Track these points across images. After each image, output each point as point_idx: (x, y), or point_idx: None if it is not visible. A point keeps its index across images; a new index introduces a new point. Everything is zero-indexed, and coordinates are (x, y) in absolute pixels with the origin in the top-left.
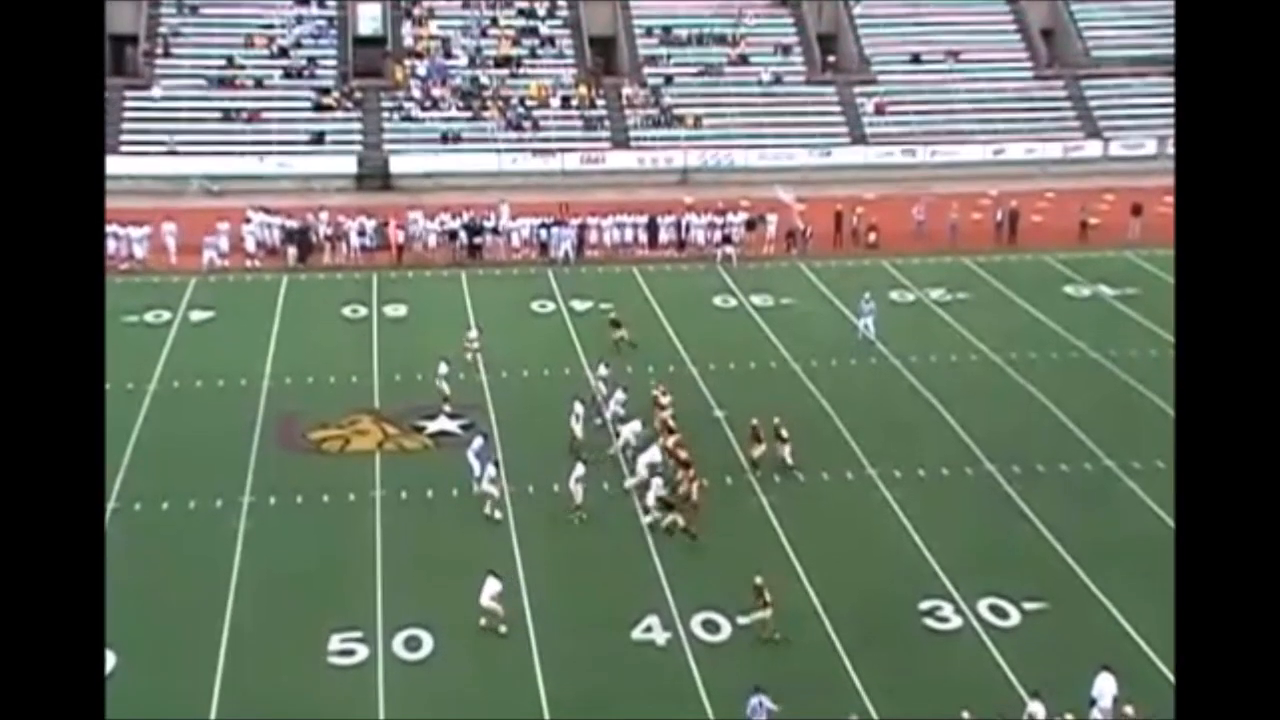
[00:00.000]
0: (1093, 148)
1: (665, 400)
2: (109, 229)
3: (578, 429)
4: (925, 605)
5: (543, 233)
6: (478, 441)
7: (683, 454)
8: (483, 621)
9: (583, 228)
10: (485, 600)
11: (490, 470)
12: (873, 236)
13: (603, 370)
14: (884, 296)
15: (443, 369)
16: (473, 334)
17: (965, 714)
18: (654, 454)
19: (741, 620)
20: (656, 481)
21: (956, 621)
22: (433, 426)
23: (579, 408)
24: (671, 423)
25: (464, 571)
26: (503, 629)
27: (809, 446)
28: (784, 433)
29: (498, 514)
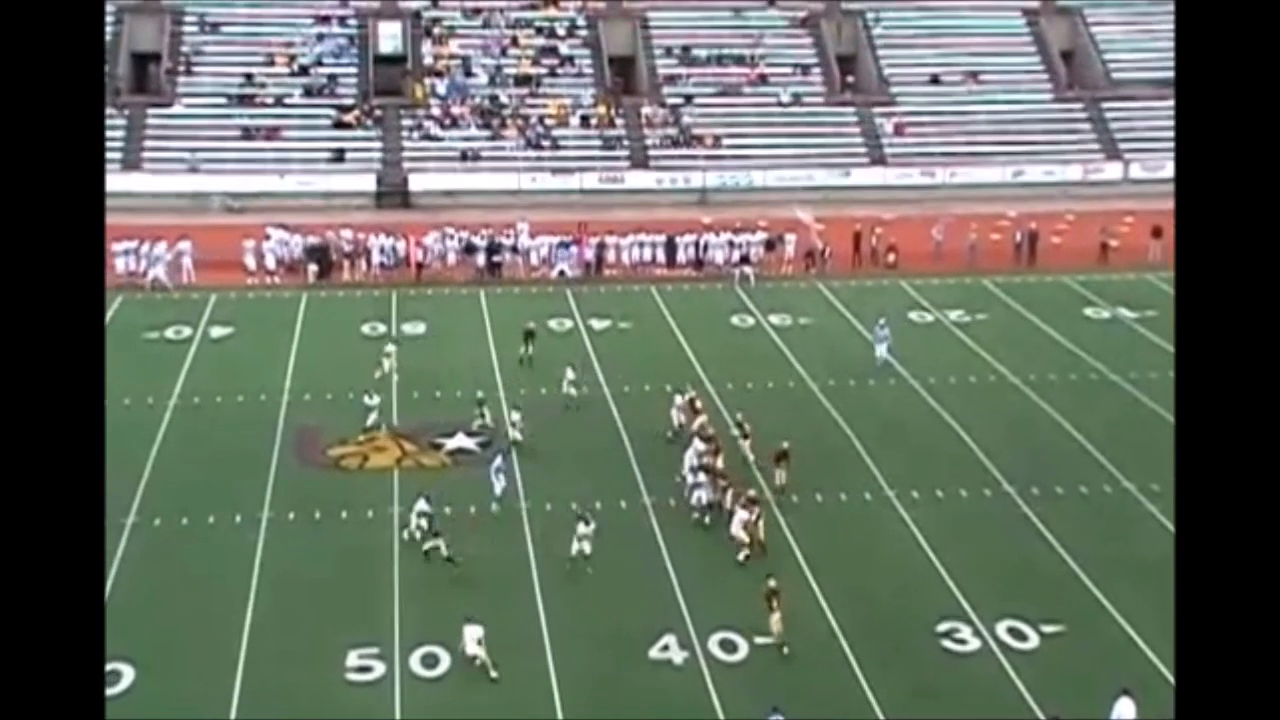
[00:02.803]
0: (1113, 170)
1: (699, 406)
2: (129, 245)
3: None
4: (943, 627)
5: (561, 251)
6: (498, 460)
7: (718, 463)
8: (476, 664)
9: (601, 247)
10: (470, 648)
11: (502, 481)
12: (891, 257)
13: (570, 374)
14: (902, 317)
15: (372, 400)
16: (389, 348)
17: None
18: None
19: (760, 640)
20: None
21: (974, 643)
22: (451, 444)
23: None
24: (708, 430)
25: (482, 589)
26: (494, 674)
27: (827, 467)
28: (786, 446)
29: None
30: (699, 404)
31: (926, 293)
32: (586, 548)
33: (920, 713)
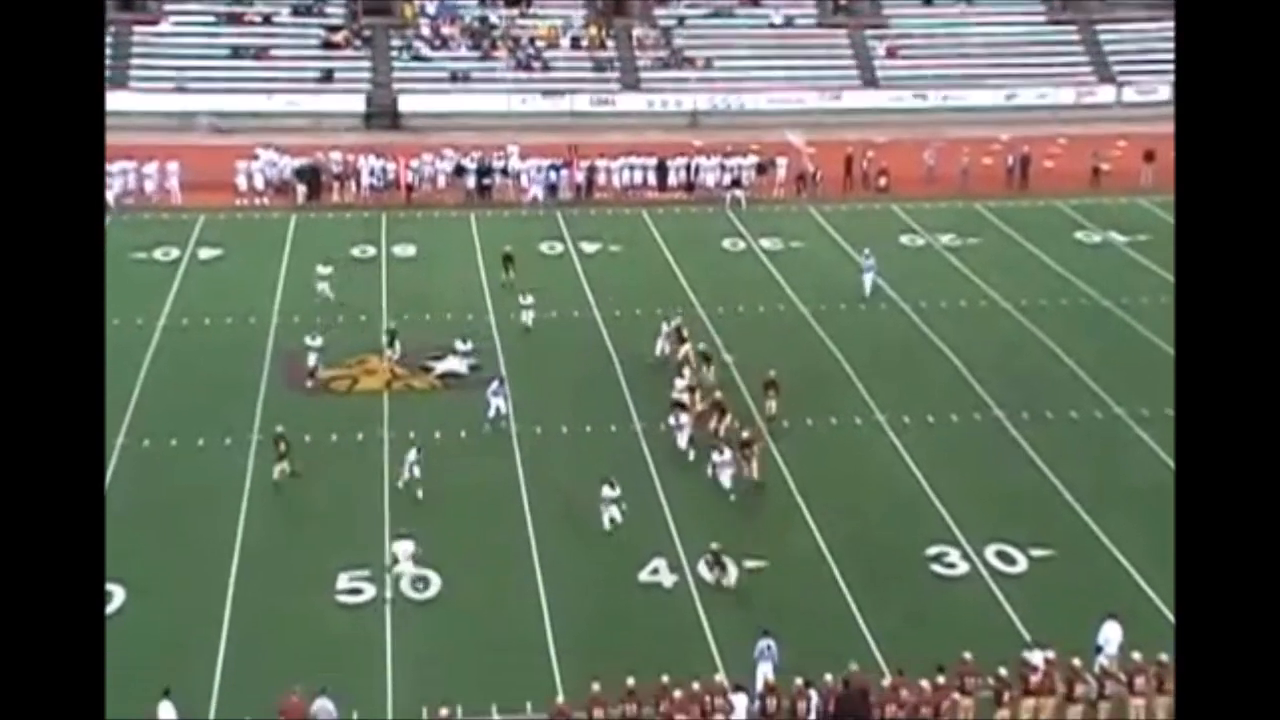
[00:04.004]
0: (1106, 93)
1: (686, 334)
2: (117, 165)
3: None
4: (932, 551)
5: (552, 174)
6: (495, 383)
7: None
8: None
9: (591, 169)
10: (402, 564)
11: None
12: (883, 181)
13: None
14: (894, 241)
15: (315, 341)
16: (324, 269)
17: (967, 655)
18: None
19: (750, 564)
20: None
21: (963, 568)
22: (441, 367)
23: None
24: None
25: (473, 511)
26: (407, 591)
27: (817, 392)
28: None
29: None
30: (685, 332)
31: (918, 216)
32: (617, 514)
33: (909, 636)
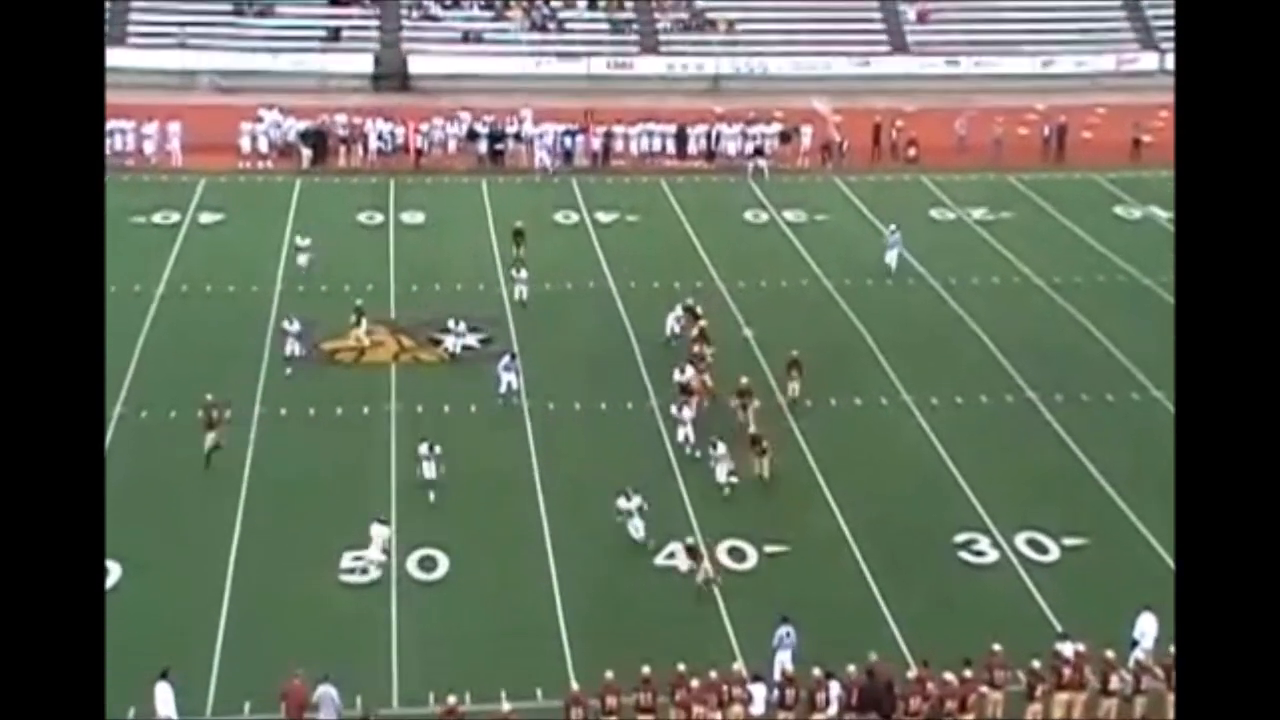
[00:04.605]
0: (1148, 60)
1: (700, 312)
2: (114, 124)
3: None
4: (961, 538)
5: (567, 140)
6: (506, 357)
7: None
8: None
9: (608, 136)
10: (373, 552)
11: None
12: (912, 151)
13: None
14: (923, 215)
15: (292, 325)
16: (303, 242)
17: (996, 646)
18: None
19: (770, 549)
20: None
21: (993, 555)
22: (450, 339)
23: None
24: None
25: (482, 490)
26: (373, 575)
27: (841, 371)
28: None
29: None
30: (699, 309)
31: (949, 189)
32: (641, 526)
33: (936, 626)
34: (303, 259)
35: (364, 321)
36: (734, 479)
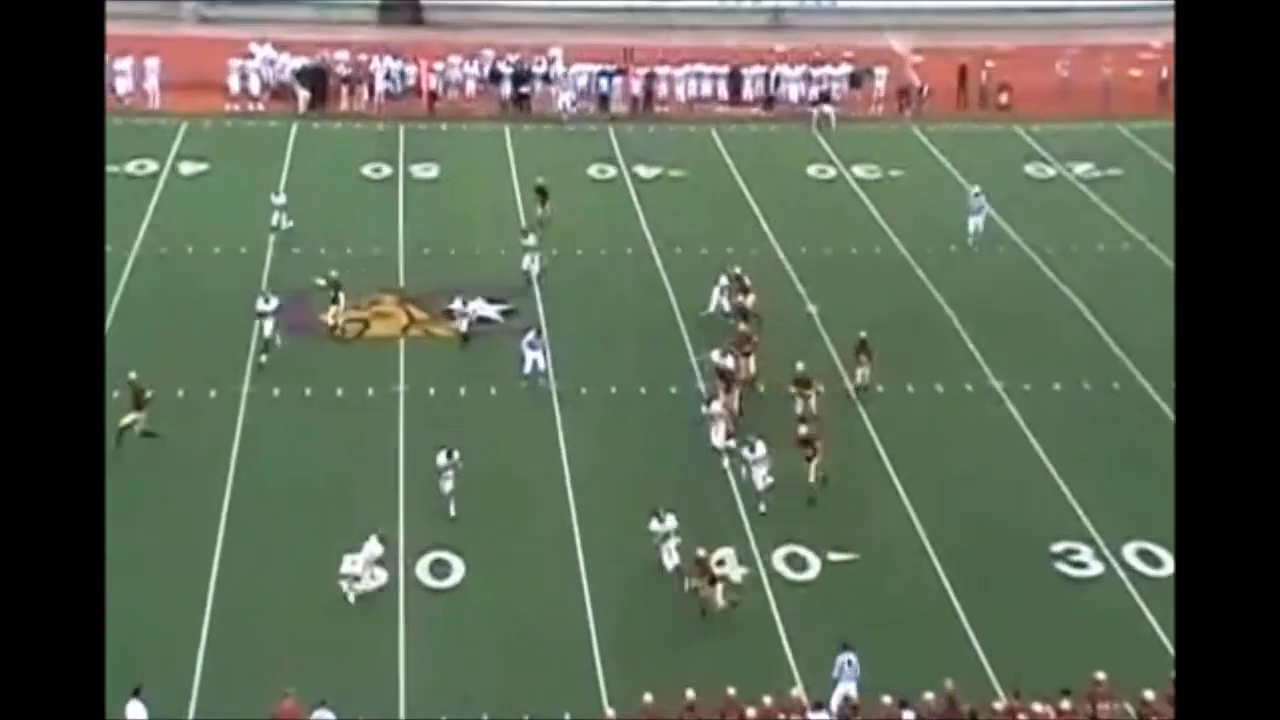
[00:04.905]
0: None
1: (749, 284)
2: None
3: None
4: (1058, 547)
5: (603, 82)
6: (530, 333)
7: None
8: (353, 595)
9: (650, 78)
10: (358, 566)
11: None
12: (1005, 97)
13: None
14: (1017, 171)
15: (268, 304)
16: (278, 199)
17: (1100, 675)
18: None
19: (834, 556)
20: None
21: (1096, 568)
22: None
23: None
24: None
25: (503, 484)
26: (351, 599)
27: (919, 352)
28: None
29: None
30: (748, 281)
31: (1047, 141)
32: (674, 553)
33: (1028, 649)
34: (279, 218)
35: (342, 297)
36: (771, 483)
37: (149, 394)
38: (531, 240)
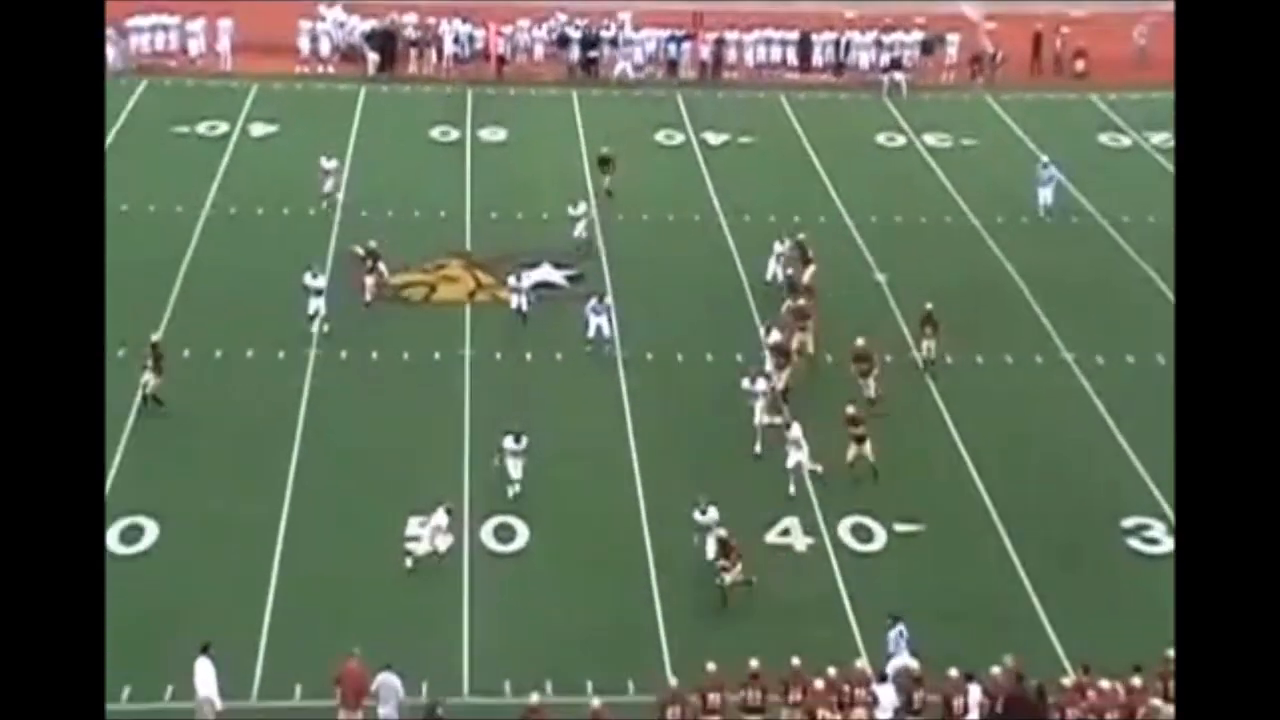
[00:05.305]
0: None
1: (812, 255)
2: (152, 20)
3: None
4: (1130, 522)
5: (671, 48)
6: (593, 300)
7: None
8: (413, 560)
9: (719, 43)
10: (425, 535)
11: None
12: (1080, 64)
13: None
14: (1091, 140)
15: (316, 280)
16: (329, 164)
17: (1171, 651)
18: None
19: (900, 528)
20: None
21: (1169, 544)
22: (534, 276)
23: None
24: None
25: (568, 449)
26: (409, 564)
27: (989, 323)
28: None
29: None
30: (810, 251)
31: (1124, 110)
32: (714, 547)
33: (1098, 626)
34: (329, 184)
35: (381, 266)
36: (813, 468)
37: (160, 357)
38: (581, 209)
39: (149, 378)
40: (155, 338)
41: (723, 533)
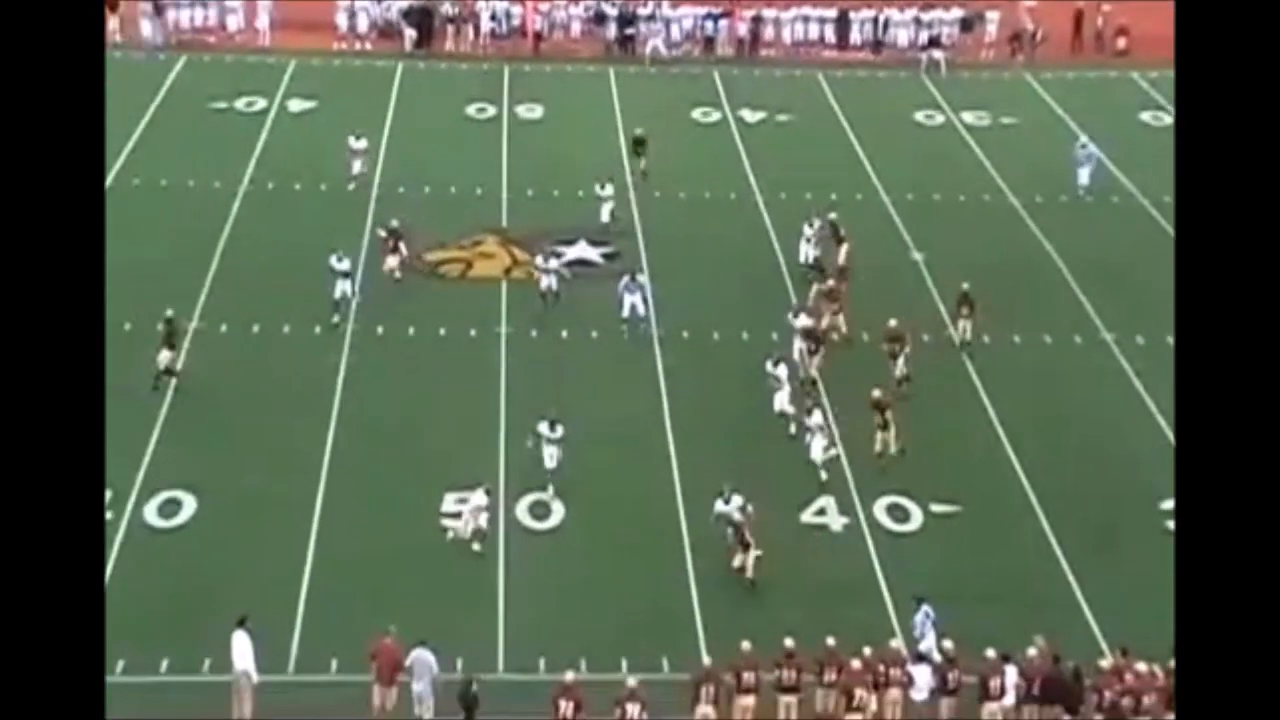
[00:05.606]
0: None
1: (845, 232)
2: None
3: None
4: (1169, 505)
5: (708, 25)
6: (626, 278)
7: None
8: (451, 534)
9: (757, 21)
10: (464, 517)
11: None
12: (1122, 42)
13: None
14: (1132, 118)
15: (341, 263)
16: (359, 143)
17: None
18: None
19: (936, 508)
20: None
21: None
22: (570, 253)
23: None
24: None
25: (604, 427)
26: (476, 547)
27: (1028, 302)
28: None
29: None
30: (844, 230)
31: (1166, 88)
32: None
33: (1136, 608)
34: (358, 165)
35: (403, 247)
36: (833, 454)
37: (177, 332)
38: (609, 190)
39: (165, 353)
40: (169, 314)
41: (737, 517)
